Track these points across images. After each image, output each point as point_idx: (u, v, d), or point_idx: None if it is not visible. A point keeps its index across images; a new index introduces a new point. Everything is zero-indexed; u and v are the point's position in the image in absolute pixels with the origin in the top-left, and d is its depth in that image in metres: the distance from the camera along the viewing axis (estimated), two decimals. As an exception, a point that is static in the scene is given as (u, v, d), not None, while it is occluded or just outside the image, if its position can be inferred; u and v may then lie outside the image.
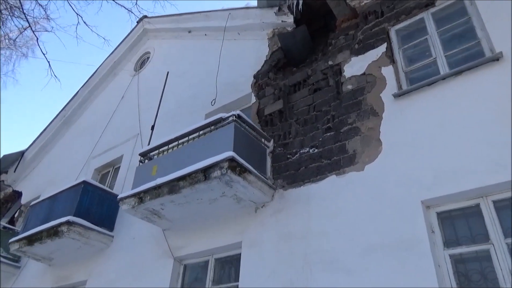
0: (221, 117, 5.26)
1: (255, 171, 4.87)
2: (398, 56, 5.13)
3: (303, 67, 6.48)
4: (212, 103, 6.94)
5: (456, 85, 4.27)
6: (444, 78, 4.38)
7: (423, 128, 4.23)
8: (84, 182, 6.98)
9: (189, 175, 4.88)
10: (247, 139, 5.15)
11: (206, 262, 5.49)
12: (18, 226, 10.03)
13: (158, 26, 10.53)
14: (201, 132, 5.45)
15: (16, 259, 9.01)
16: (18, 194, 11.78)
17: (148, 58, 10.76)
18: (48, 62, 7.78)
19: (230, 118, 5.13)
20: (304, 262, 4.27)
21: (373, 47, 5.37)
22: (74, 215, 6.59)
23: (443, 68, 4.60)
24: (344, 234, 4.13)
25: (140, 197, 5.41)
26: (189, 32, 9.40)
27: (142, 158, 6.13)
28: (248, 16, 7.54)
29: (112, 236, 7.05)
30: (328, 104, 5.46)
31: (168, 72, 7.73)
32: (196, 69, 8.34)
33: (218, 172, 4.62)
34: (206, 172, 4.73)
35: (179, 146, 5.66)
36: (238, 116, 5.16)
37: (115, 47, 11.63)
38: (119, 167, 8.58)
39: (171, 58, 9.54)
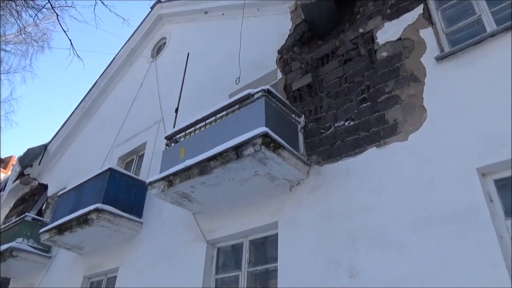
0: (249, 93, 5.02)
1: (290, 147, 4.63)
2: (437, 17, 4.76)
3: (329, 39, 6.14)
4: (237, 82, 6.69)
5: (506, 42, 3.91)
6: (492, 35, 4.02)
7: (471, 91, 3.90)
8: (110, 169, 6.88)
9: (220, 154, 4.68)
10: (278, 115, 4.90)
11: (240, 244, 5.32)
12: (46, 218, 10.09)
13: (173, 10, 10.28)
14: (229, 110, 5.23)
15: (47, 250, 9.08)
16: (44, 187, 11.88)
17: (164, 43, 10.55)
18: (70, 40, 7.49)
19: (260, 93, 4.88)
20: (348, 239, 4.04)
21: (407, 10, 5.01)
22: (102, 203, 6.50)
23: (490, 25, 4.23)
24: (392, 208, 3.88)
25: (169, 180, 5.25)
26: (206, 13, 9.12)
27: (168, 141, 5.96)
28: (268, -11, 7.21)
29: (141, 223, 6.96)
30: (361, 75, 5.15)
31: (188, 53, 7.49)
32: (215, 50, 8.09)
33: (251, 149, 4.39)
34: (238, 150, 4.52)
35: (207, 127, 5.46)
36: (268, 91, 4.90)
37: (130, 35, 11.46)
38: (143, 154, 8.47)
39: (188, 42, 9.29)
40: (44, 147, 12.02)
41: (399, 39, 4.86)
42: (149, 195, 7.29)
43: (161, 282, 5.79)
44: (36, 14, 6.84)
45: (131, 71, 11.13)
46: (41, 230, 7.56)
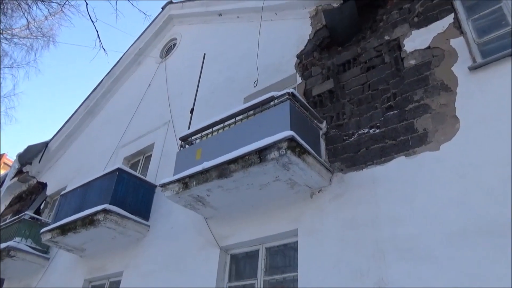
0: (272, 96, 4.89)
1: (314, 153, 4.50)
2: (467, 27, 4.68)
3: (349, 46, 6.06)
4: (255, 85, 6.57)
5: (543, 55, 3.83)
6: (529, 47, 3.94)
7: (506, 103, 3.80)
8: (119, 169, 6.69)
9: (241, 157, 4.52)
10: (302, 119, 4.77)
11: (256, 252, 5.14)
12: (44, 218, 9.81)
13: (185, 11, 10.19)
14: (250, 113, 5.09)
15: (45, 250, 8.81)
16: (43, 186, 11.61)
17: (174, 44, 10.43)
18: (97, 31, 7.24)
19: (285, 97, 4.76)
20: (375, 250, 3.89)
21: (436, 19, 4.93)
22: (109, 204, 6.30)
23: (525, 38, 4.15)
24: (424, 220, 3.74)
25: (185, 182, 5.08)
26: (220, 15, 9.02)
27: (182, 142, 5.80)
28: (288, -7, 7.13)
29: (148, 226, 6.75)
30: (386, 82, 5.06)
31: (205, 54, 7.36)
32: (230, 53, 7.98)
33: (276, 153, 4.25)
34: (261, 153, 4.37)
35: (225, 129, 5.31)
36: (292, 94, 4.78)
37: (139, 35, 11.33)
38: (150, 155, 8.29)
39: (201, 43, 9.18)
40: (45, 144, 11.78)
41: (428, 47, 4.78)
42: (156, 197, 7.12)
43: (170, 286, 5.57)
44: (47, 8, 6.62)
45: (138, 71, 10.98)
46: (42, 230, 7.31)
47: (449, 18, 4.79)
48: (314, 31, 6.50)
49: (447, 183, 3.79)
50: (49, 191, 10.95)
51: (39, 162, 11.59)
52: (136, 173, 7.10)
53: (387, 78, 5.07)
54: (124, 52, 11.26)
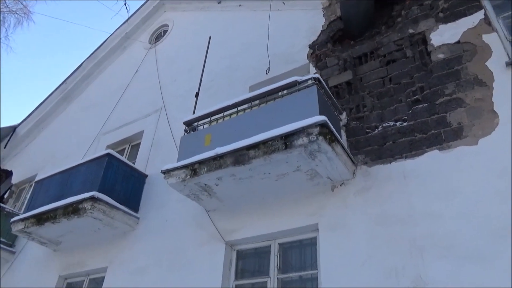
0: (296, 80, 4.56)
1: (343, 142, 4.20)
2: (498, 25, 4.59)
3: (363, 40, 5.88)
4: (267, 72, 6.21)
5: None
6: None
7: (550, 99, 3.69)
8: (108, 154, 6.09)
9: (263, 142, 4.15)
10: (326, 107, 4.47)
11: (267, 248, 4.75)
12: (9, 208, 8.88)
13: (180, -3, 9.69)
14: (268, 98, 4.73)
15: (10, 243, 7.93)
16: (7, 174, 10.59)
17: (166, 31, 9.88)
18: None
19: (310, 81, 4.44)
20: (412, 247, 3.63)
21: (465, 14, 4.81)
22: (98, 191, 5.68)
23: (562, 36, 4.09)
24: (465, 216, 3.53)
25: (193, 169, 4.62)
26: (219, 2, 8.62)
27: (187, 127, 5.33)
28: (299, -17, 6.87)
29: (138, 218, 6.18)
30: (409, 76, 4.89)
31: (210, 37, 6.91)
32: (231, 42, 7.58)
33: (305, 139, 3.91)
34: (287, 139, 4.02)
35: (239, 113, 4.91)
36: (318, 80, 4.47)
37: (126, 19, 10.67)
38: (138, 143, 7.71)
39: (197, 30, 8.72)
40: (13, 129, 10.78)
41: (458, 42, 4.64)
42: (147, 188, 6.57)
43: (165, 284, 5.07)
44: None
45: (123, 56, 10.32)
46: (13, 219, 6.53)
47: (479, 14, 4.68)
48: (328, 22, 6.26)
49: (488, 179, 3.61)
50: (14, 179, 9.99)
51: (5, 147, 10.57)
52: (127, 161, 6.50)
53: (411, 71, 4.91)
54: (109, 35, 10.55)
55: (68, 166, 6.59)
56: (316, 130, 3.87)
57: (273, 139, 4.09)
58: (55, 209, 5.90)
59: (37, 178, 7.13)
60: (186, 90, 7.57)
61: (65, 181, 6.34)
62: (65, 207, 5.78)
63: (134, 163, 7.17)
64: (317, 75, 4.51)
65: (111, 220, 5.83)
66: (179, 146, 5.18)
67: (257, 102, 4.89)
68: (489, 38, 4.43)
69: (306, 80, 4.49)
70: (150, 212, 6.16)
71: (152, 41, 9.95)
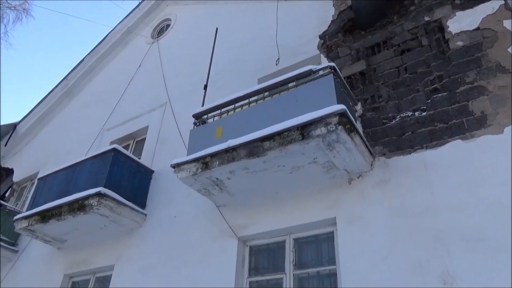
0: (311, 69, 4.40)
1: (361, 133, 4.05)
2: (518, 10, 4.43)
3: (374, 30, 5.72)
4: (277, 63, 6.05)
5: None
6: None
7: None
8: (114, 149, 5.92)
9: (279, 133, 3.99)
10: (343, 97, 4.31)
11: (281, 243, 4.60)
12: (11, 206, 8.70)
13: (182, -9, 9.51)
14: (281, 88, 4.57)
15: (12, 242, 7.76)
16: (7, 172, 10.39)
17: (168, 25, 9.71)
18: None
19: (326, 70, 4.28)
20: (436, 240, 3.49)
21: (483, 0, 4.66)
22: (104, 187, 5.52)
23: None
24: (493, 207, 3.37)
25: (205, 162, 4.46)
26: (223, -5, 8.44)
27: (196, 120, 5.17)
28: (307, -28, 6.70)
29: (145, 215, 6.02)
30: (426, 65, 4.73)
31: (217, 29, 6.74)
32: (237, 34, 7.42)
33: (323, 129, 3.76)
34: (304, 129, 3.86)
35: (251, 105, 4.76)
36: (334, 68, 4.31)
37: (127, 14, 10.49)
38: (142, 139, 7.55)
39: (200, 24, 8.56)
40: (13, 126, 10.61)
41: (477, 28, 4.48)
42: (153, 184, 6.42)
43: (175, 282, 4.91)
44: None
45: (125, 51, 10.15)
46: (16, 217, 6.37)
47: (499, 0, 4.53)
48: (338, 12, 6.09)
49: (516, 169, 3.46)
50: (16, 177, 9.82)
51: (6, 145, 10.39)
52: (133, 156, 6.33)
53: (427, 60, 4.76)
54: (111, 30, 10.37)
55: (72, 162, 6.42)
56: (335, 120, 3.72)
57: (289, 129, 3.93)
58: (60, 206, 5.74)
59: (40, 175, 6.96)
60: (191, 84, 7.42)
61: (69, 177, 6.17)
62: (71, 203, 5.62)
63: (139, 159, 7.01)
64: (333, 64, 4.35)
65: (118, 216, 5.67)
66: (188, 139, 5.01)
67: (268, 93, 4.73)
68: (510, 24, 4.27)
69: (322, 69, 4.33)
70: (157, 208, 6.00)
71: (155, 36, 9.78)
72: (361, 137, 4.03)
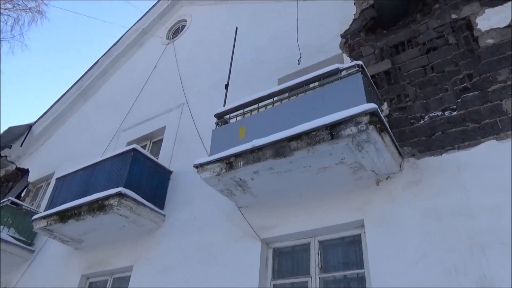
0: (338, 68, 4.32)
1: (391, 132, 3.95)
2: (551, 7, 4.31)
3: (396, 29, 5.62)
4: (299, 62, 5.97)
5: None
6: None
7: None
8: (134, 149, 5.89)
9: (307, 133, 3.90)
10: (371, 97, 4.21)
11: (306, 246, 4.51)
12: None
13: (198, -9, 9.49)
14: (307, 87, 4.49)
15: (29, 242, 7.77)
16: (23, 172, 10.47)
17: (183, 26, 9.69)
18: None
19: (354, 69, 4.19)
20: (472, 243, 3.37)
21: (513, -3, 4.54)
22: (124, 187, 5.48)
23: None
24: (535, 210, 3.25)
25: (229, 162, 4.39)
26: (240, -5, 8.40)
27: (218, 120, 5.11)
28: (327, -29, 6.62)
29: (164, 216, 5.97)
30: (454, 63, 4.62)
31: (237, 28, 6.68)
32: (255, 34, 7.36)
33: (353, 128, 3.67)
34: (333, 129, 3.77)
35: (276, 104, 4.68)
36: (362, 67, 4.22)
37: (142, 15, 10.50)
38: (159, 140, 7.52)
39: (216, 24, 8.54)
40: (28, 127, 10.67)
41: (509, 26, 4.36)
42: (172, 184, 6.37)
43: (196, 283, 4.86)
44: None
45: (140, 52, 10.16)
46: (35, 217, 6.36)
47: (531, -4, 4.41)
48: (360, 11, 6.01)
49: (557, 169, 3.34)
50: (31, 178, 9.86)
51: (21, 146, 10.44)
52: (152, 156, 6.29)
53: (455, 59, 4.65)
54: (125, 31, 10.38)
55: (90, 162, 6.40)
56: (365, 119, 3.63)
57: (317, 129, 3.85)
58: (79, 206, 5.71)
59: (58, 175, 6.95)
60: (208, 85, 7.38)
61: (88, 177, 6.15)
62: (90, 203, 5.58)
63: (157, 159, 6.97)
64: (360, 62, 4.26)
65: (138, 217, 5.62)
66: (211, 140, 4.95)
67: (293, 92, 4.65)
68: (545, 21, 4.15)
69: (349, 67, 4.25)
70: (176, 209, 5.95)
71: (170, 37, 9.77)
72: (391, 137, 3.93)
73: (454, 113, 4.23)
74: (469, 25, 4.75)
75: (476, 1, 4.85)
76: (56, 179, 6.84)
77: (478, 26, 4.61)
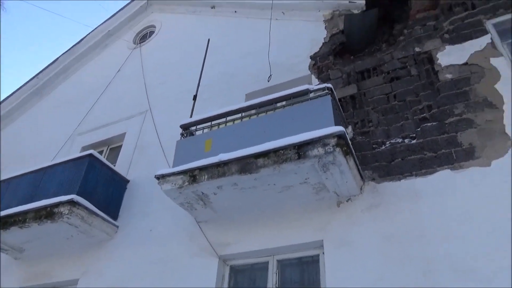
0: (308, 89, 4.40)
1: (355, 156, 4.04)
2: (503, 49, 4.67)
3: (362, 56, 5.87)
4: (269, 80, 6.00)
5: None
6: None
7: (562, 125, 3.73)
8: (91, 155, 5.60)
9: (275, 151, 3.91)
10: (338, 119, 4.31)
11: (264, 264, 4.45)
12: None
13: (170, -1, 9.38)
14: (278, 105, 4.52)
15: (-38, 249, 7.07)
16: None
17: (152, 32, 9.51)
18: None
19: (324, 91, 4.28)
20: (428, 267, 3.48)
21: (471, 37, 4.88)
22: (77, 194, 5.18)
23: None
24: (485, 240, 3.42)
25: (193, 175, 4.29)
26: (213, 7, 8.41)
27: (183, 131, 5.00)
28: (301, -6, 6.80)
29: (117, 227, 5.69)
30: (415, 94, 4.86)
31: (209, 40, 6.63)
32: (226, 48, 7.35)
33: (320, 150, 3.72)
34: (301, 148, 3.81)
35: (244, 119, 4.66)
36: (331, 90, 4.32)
37: (109, 16, 10.20)
38: (118, 146, 7.23)
39: (187, 34, 8.46)
40: (-28, 123, 9.86)
41: (466, 64, 4.67)
42: (128, 194, 6.11)
43: (148, 302, 4.62)
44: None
45: (104, 54, 9.81)
46: (-28, 221, 5.81)
47: (486, 38, 4.76)
48: (330, 35, 6.20)
49: (504, 202, 3.55)
50: (-29, 178, 9.06)
51: (-37, 142, 9.61)
52: (110, 164, 6.01)
53: (416, 89, 4.89)
54: (90, 31, 10.01)
55: (41, 165, 6.01)
56: (333, 141, 3.69)
57: (285, 147, 3.87)
58: (25, 212, 5.31)
59: (3, 177, 6.45)
60: (174, 94, 7.25)
61: (37, 182, 5.76)
62: (38, 210, 5.21)
63: (114, 166, 6.69)
64: (330, 85, 4.37)
65: (89, 227, 5.32)
66: (175, 151, 4.82)
67: (262, 109, 4.66)
68: (497, 62, 4.48)
69: (320, 89, 4.33)
70: (131, 220, 5.70)
71: (137, 41, 9.54)
72: (355, 161, 4.03)
73: (414, 141, 4.42)
74: (430, 59, 5.03)
75: (438, 37, 5.17)
76: (1, 181, 6.34)
77: (438, 61, 4.89)
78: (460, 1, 5.36)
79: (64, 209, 5.03)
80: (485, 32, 4.84)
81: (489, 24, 4.98)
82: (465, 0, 5.34)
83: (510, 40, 4.76)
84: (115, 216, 5.80)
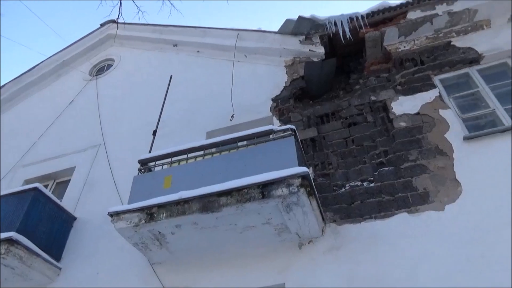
0: (272, 129, 4.45)
1: (318, 197, 4.07)
2: (450, 102, 5.08)
3: (321, 101, 6.14)
4: (231, 119, 6.00)
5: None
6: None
7: (505, 171, 4.05)
8: (36, 189, 5.17)
9: (238, 190, 3.84)
10: (301, 160, 4.37)
11: (223, 309, 4.22)
12: None
13: (131, 34, 9.33)
14: (240, 144, 4.51)
15: None
16: None
17: (110, 65, 9.32)
18: None
19: (288, 132, 4.35)
20: (388, 312, 3.48)
21: (421, 90, 5.29)
22: (17, 232, 4.70)
23: (506, 120, 4.63)
24: (439, 282, 3.51)
25: (150, 213, 4.08)
26: (175, 45, 8.46)
27: (141, 166, 4.80)
28: (263, 39, 7.06)
29: (60, 269, 5.18)
30: (372, 139, 5.10)
31: (171, 76, 6.58)
32: (187, 86, 7.34)
33: (284, 190, 3.71)
34: (265, 188, 3.78)
35: (206, 157, 4.58)
36: (295, 131, 4.41)
37: (65, 46, 9.91)
38: (66, 181, 6.76)
39: (147, 69, 8.37)
40: None
41: (418, 113, 5.01)
42: (74, 233, 5.65)
43: None
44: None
45: (57, 84, 9.38)
46: None
47: (435, 91, 5.18)
48: (290, 80, 6.43)
49: (458, 245, 3.71)
50: None
51: None
52: (56, 199, 5.57)
53: (373, 135, 5.13)
54: (44, 59, 9.61)
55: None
56: (297, 182, 3.71)
57: (249, 187, 3.82)
58: (-48, 251, 4.69)
59: None
60: (130, 129, 7.03)
61: (-30, 216, 5.16)
62: (-32, 249, 4.63)
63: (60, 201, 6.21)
64: (293, 127, 4.46)
65: (27, 269, 4.79)
66: (131, 187, 4.58)
67: (225, 147, 4.62)
68: (446, 113, 4.86)
69: (284, 130, 4.40)
70: (76, 262, 5.23)
71: (93, 73, 9.28)
72: (317, 202, 4.05)
73: (372, 184, 4.56)
74: (385, 108, 5.34)
75: (391, 88, 5.53)
76: None
77: (393, 110, 5.21)
78: (410, 57, 5.85)
79: (1, 249, 4.51)
80: (433, 86, 5.28)
81: (436, 80, 5.44)
82: (415, 56, 5.83)
83: (456, 94, 5.19)
84: (58, 257, 5.29)
